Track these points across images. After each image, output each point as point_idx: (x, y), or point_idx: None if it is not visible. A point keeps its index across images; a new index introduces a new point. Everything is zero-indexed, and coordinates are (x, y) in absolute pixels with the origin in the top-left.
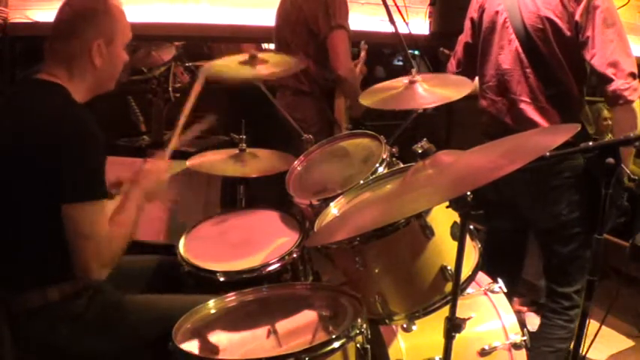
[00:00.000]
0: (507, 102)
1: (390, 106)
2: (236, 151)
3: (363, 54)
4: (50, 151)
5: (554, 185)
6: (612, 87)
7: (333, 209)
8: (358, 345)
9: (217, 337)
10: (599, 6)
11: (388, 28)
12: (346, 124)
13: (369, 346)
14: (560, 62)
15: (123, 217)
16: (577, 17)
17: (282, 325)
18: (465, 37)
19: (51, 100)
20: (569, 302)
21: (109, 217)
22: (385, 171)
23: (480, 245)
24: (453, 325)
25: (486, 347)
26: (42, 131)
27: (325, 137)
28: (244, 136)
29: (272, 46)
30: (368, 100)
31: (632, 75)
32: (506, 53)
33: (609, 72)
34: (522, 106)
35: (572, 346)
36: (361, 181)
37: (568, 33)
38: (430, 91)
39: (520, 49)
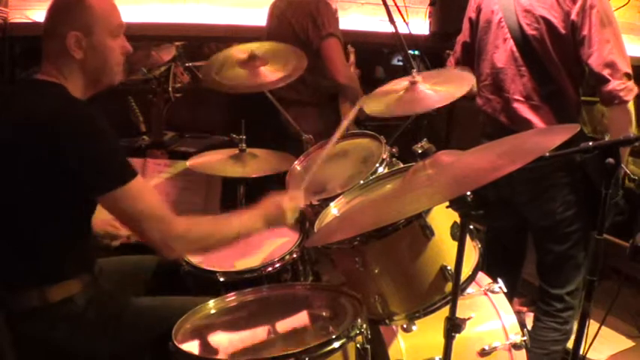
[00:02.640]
0: (502, 100)
1: (395, 113)
2: (236, 151)
3: (352, 58)
4: (52, 149)
5: (550, 183)
6: (608, 87)
7: (333, 209)
8: (358, 345)
9: (217, 337)
10: (595, 5)
11: (388, 28)
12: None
13: (369, 346)
14: (554, 61)
15: (218, 220)
16: (573, 16)
17: (282, 325)
18: (463, 36)
19: (50, 98)
20: (562, 304)
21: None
22: (385, 171)
23: (480, 245)
24: (453, 325)
25: (486, 347)
26: (43, 130)
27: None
28: (244, 136)
29: None
30: (371, 107)
31: (628, 75)
32: (500, 52)
33: (605, 72)
34: (516, 105)
35: (572, 347)
36: (361, 181)
37: (563, 32)
38: (432, 90)
39: (515, 48)
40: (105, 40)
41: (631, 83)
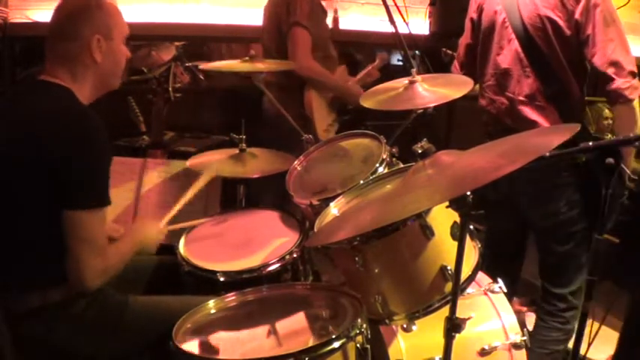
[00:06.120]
0: (506, 101)
1: (390, 107)
2: (236, 151)
3: (377, 61)
4: (55, 154)
5: (554, 184)
6: (613, 86)
7: (333, 209)
8: (358, 345)
9: (217, 337)
10: (599, 5)
11: (388, 28)
12: (333, 116)
13: (369, 346)
14: (559, 61)
15: (119, 247)
16: (577, 16)
17: (282, 325)
18: (465, 38)
19: (57, 102)
20: (565, 304)
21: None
22: (385, 171)
23: (480, 245)
24: (453, 325)
25: (486, 347)
26: (48, 134)
27: (299, 131)
28: (244, 136)
29: None
30: (369, 101)
31: (632, 74)
32: (505, 53)
33: (610, 71)
34: (521, 106)
35: (572, 346)
36: (361, 181)
37: (568, 32)
38: (430, 90)
39: (519, 49)
40: (119, 44)
41: (636, 81)
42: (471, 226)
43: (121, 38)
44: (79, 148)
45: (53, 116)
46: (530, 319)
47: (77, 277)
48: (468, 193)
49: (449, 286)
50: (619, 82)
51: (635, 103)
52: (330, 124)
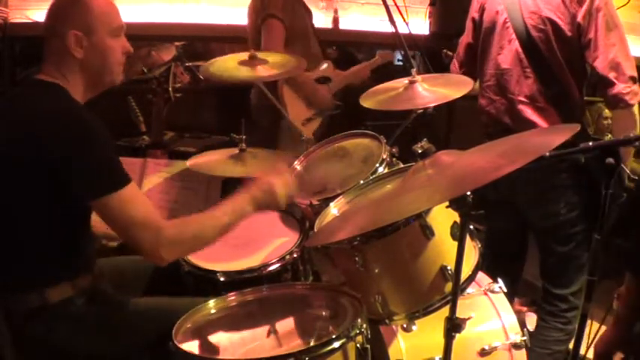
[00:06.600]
0: (506, 102)
1: (390, 107)
2: (236, 151)
3: (376, 58)
4: (55, 154)
5: (554, 185)
6: (614, 91)
7: (333, 209)
8: (358, 345)
9: (217, 337)
10: (602, 9)
11: (388, 28)
12: (313, 110)
13: (369, 346)
14: (560, 63)
15: (203, 216)
16: (579, 19)
17: (282, 325)
18: (466, 37)
19: (56, 102)
20: (566, 304)
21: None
22: (385, 171)
23: (480, 245)
24: (453, 325)
25: (486, 347)
26: (48, 134)
27: (271, 123)
28: (244, 136)
29: None
30: (369, 101)
31: (633, 79)
32: (505, 53)
33: (611, 75)
34: (520, 106)
35: (572, 347)
36: (361, 181)
37: (569, 34)
38: (430, 90)
39: (520, 50)
40: (105, 39)
41: (636, 87)
42: (471, 226)
43: (106, 32)
44: (79, 148)
45: (53, 116)
46: (531, 319)
47: (146, 258)
48: (468, 193)
49: (449, 286)
50: (620, 87)
51: (635, 107)
52: (309, 118)
